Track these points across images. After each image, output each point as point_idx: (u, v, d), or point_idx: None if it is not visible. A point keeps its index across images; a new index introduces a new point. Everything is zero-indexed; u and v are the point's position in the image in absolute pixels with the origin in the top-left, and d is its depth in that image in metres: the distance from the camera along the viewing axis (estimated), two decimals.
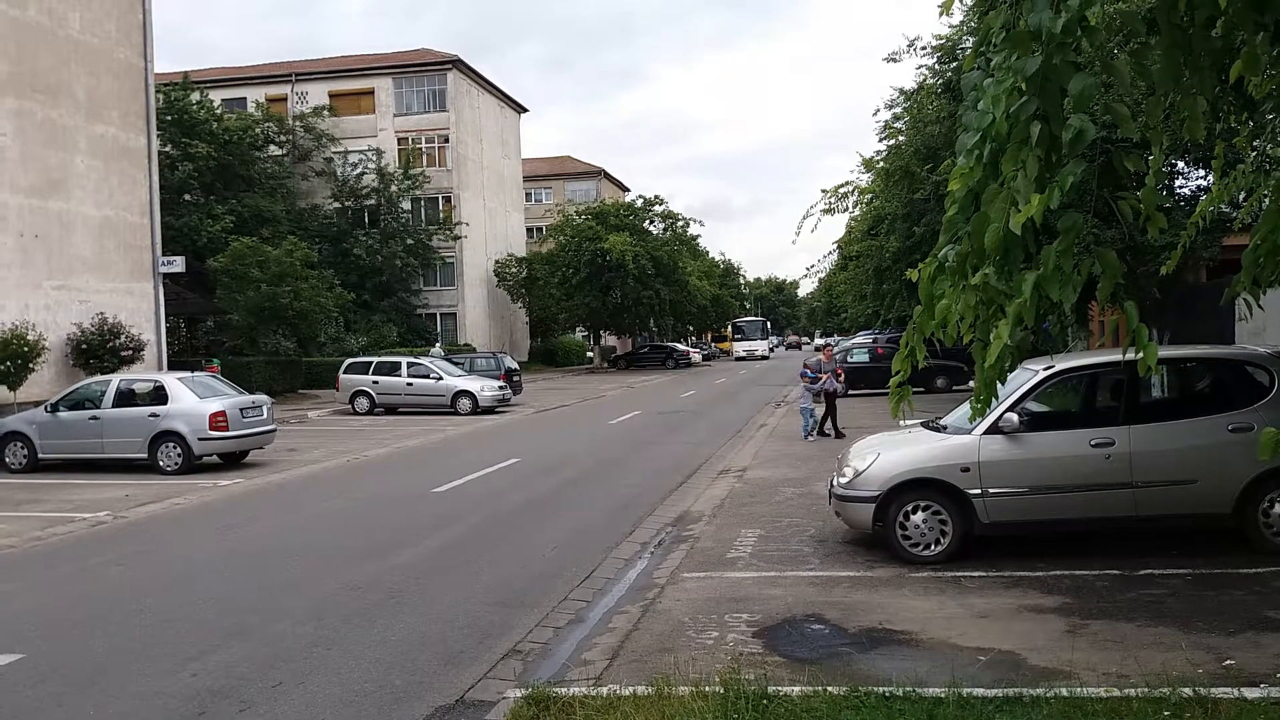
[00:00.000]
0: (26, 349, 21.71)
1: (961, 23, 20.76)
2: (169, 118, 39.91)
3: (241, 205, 42.40)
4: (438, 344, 46.14)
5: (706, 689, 5.16)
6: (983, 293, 4.55)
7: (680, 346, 67.31)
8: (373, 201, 49.59)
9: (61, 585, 9.05)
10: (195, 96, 43.44)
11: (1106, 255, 4.45)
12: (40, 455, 16.89)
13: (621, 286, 55.92)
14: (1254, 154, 8.47)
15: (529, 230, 67.58)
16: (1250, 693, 4.98)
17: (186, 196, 40.69)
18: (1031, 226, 4.32)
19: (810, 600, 7.33)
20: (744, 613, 7.06)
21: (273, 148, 48.79)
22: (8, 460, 17.01)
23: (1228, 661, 5.58)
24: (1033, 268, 4.40)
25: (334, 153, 50.46)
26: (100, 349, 24.57)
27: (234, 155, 43.54)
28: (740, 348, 74.04)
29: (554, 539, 10.35)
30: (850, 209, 29.46)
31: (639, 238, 57.19)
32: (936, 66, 22.82)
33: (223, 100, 48.58)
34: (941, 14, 5.28)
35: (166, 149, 38.04)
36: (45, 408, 17.29)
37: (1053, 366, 8.59)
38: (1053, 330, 16.65)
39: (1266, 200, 6.30)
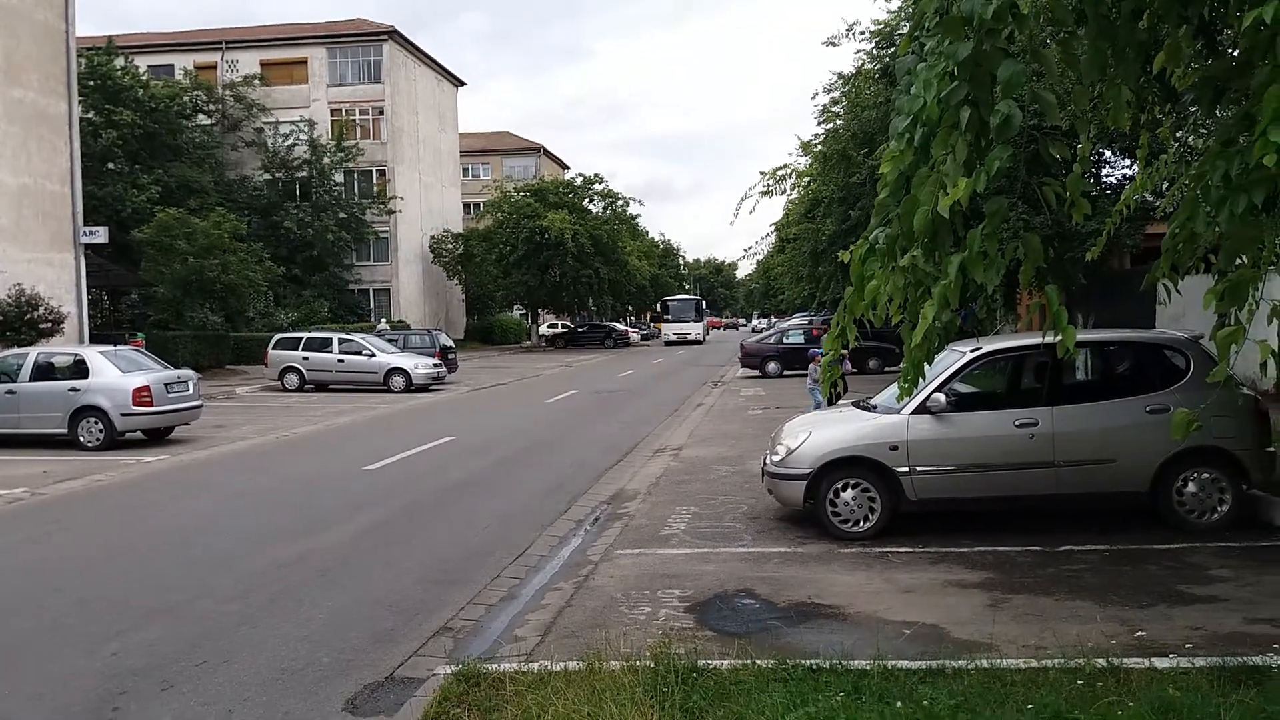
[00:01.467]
0: None
1: (899, 8, 20.96)
2: (91, 83, 38.52)
3: (168, 175, 41.20)
4: (384, 321, 45.49)
5: (637, 663, 5.20)
6: (911, 274, 4.63)
7: (619, 326, 67.36)
8: (304, 174, 48.54)
9: None
10: (120, 62, 41.99)
11: (1030, 239, 4.56)
12: None
13: (560, 265, 55.70)
14: (1176, 145, 8.74)
15: (466, 206, 66.87)
16: (1160, 663, 5.17)
17: (110, 165, 39.37)
18: (960, 210, 4.41)
19: (742, 576, 7.41)
20: (676, 589, 7.12)
21: (201, 117, 47.46)
22: None
23: (1139, 633, 5.79)
24: (959, 251, 4.49)
25: (265, 123, 49.28)
26: (17, 321, 23.75)
27: (160, 124, 42.23)
28: (671, 330, 63.66)
29: (488, 517, 10.30)
30: (788, 192, 29.66)
31: (578, 216, 56.98)
32: (874, 51, 23.03)
33: (149, 67, 47.02)
34: None
35: (89, 116, 36.73)
36: None
37: (979, 348, 8.78)
38: (980, 313, 17.01)
39: (1186, 190, 6.51)
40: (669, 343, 61.71)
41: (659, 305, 71.16)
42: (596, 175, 62.73)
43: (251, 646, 6.21)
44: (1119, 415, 8.36)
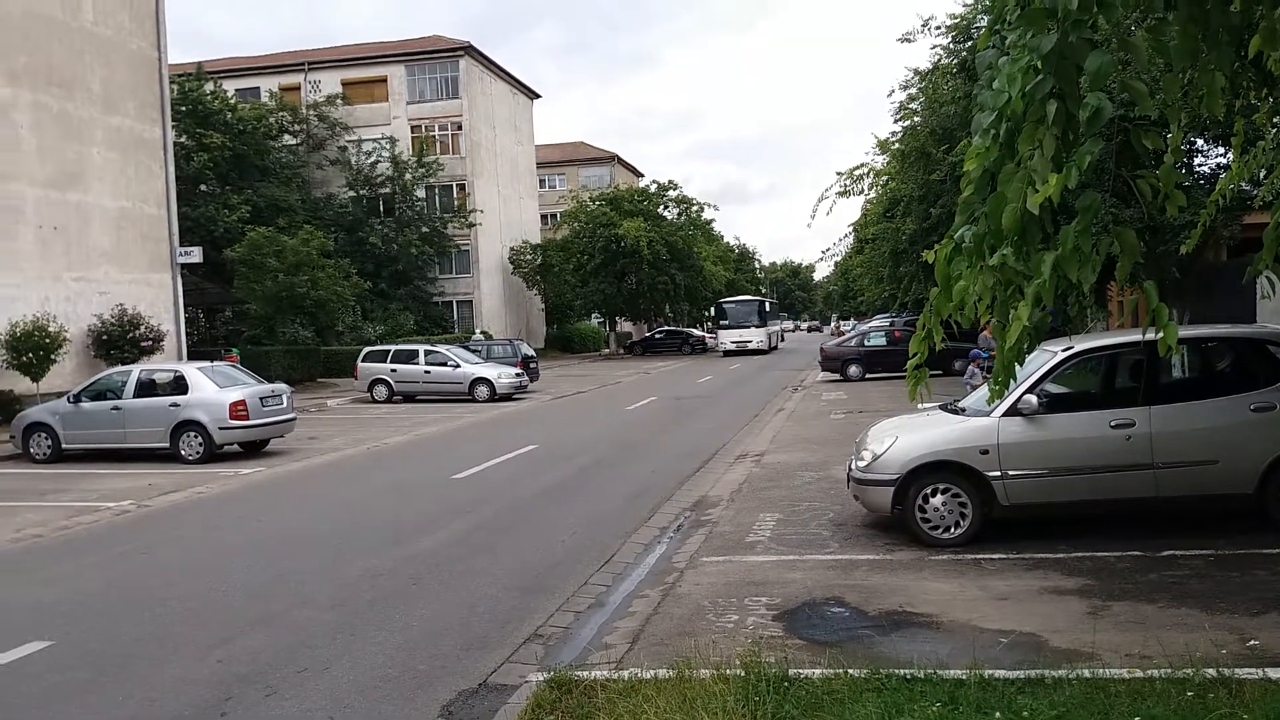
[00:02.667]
0: (48, 341, 21.92)
1: (976, 1, 20.56)
2: (183, 108, 40.07)
3: (257, 195, 42.58)
4: (480, 331, 46.55)
5: (727, 672, 5.19)
6: (1000, 274, 4.52)
7: (696, 331, 67.21)
8: (387, 190, 49.66)
9: (88, 574, 9.16)
10: (209, 87, 43.58)
11: (1125, 234, 4.42)
12: (64, 445, 17.08)
13: (636, 272, 55.94)
14: (1274, 130, 8.38)
15: (543, 217, 67.56)
16: (1275, 673, 4.96)
17: (203, 187, 40.88)
18: (1049, 206, 4.30)
19: (830, 583, 7.34)
20: (763, 596, 7.08)
21: (287, 137, 48.93)
22: (33, 451, 17.22)
23: (1252, 642, 5.56)
24: (1051, 248, 4.38)
25: (348, 141, 50.55)
26: (120, 340, 24.79)
27: (249, 145, 43.68)
28: (728, 339, 53.99)
29: (573, 524, 10.39)
30: (866, 191, 29.35)
31: (653, 223, 57.14)
32: (951, 46, 22.64)
33: (236, 90, 48.69)
34: None
35: (182, 140, 38.21)
36: (68, 398, 17.47)
37: (1072, 348, 8.54)
38: (1071, 311, 16.54)
39: None
40: (727, 353, 53.14)
41: (713, 309, 59.92)
42: (670, 182, 62.86)
43: (350, 654, 6.37)
44: (1221, 414, 8.04)
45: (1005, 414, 8.22)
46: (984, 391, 7.60)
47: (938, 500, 8.33)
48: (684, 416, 21.70)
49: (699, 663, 5.45)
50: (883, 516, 8.97)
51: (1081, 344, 8.75)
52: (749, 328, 54.03)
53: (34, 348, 21.70)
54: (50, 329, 22.00)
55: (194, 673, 6.11)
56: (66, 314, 23.80)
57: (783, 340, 69.64)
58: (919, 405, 7.52)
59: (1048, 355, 8.45)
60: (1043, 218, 4.35)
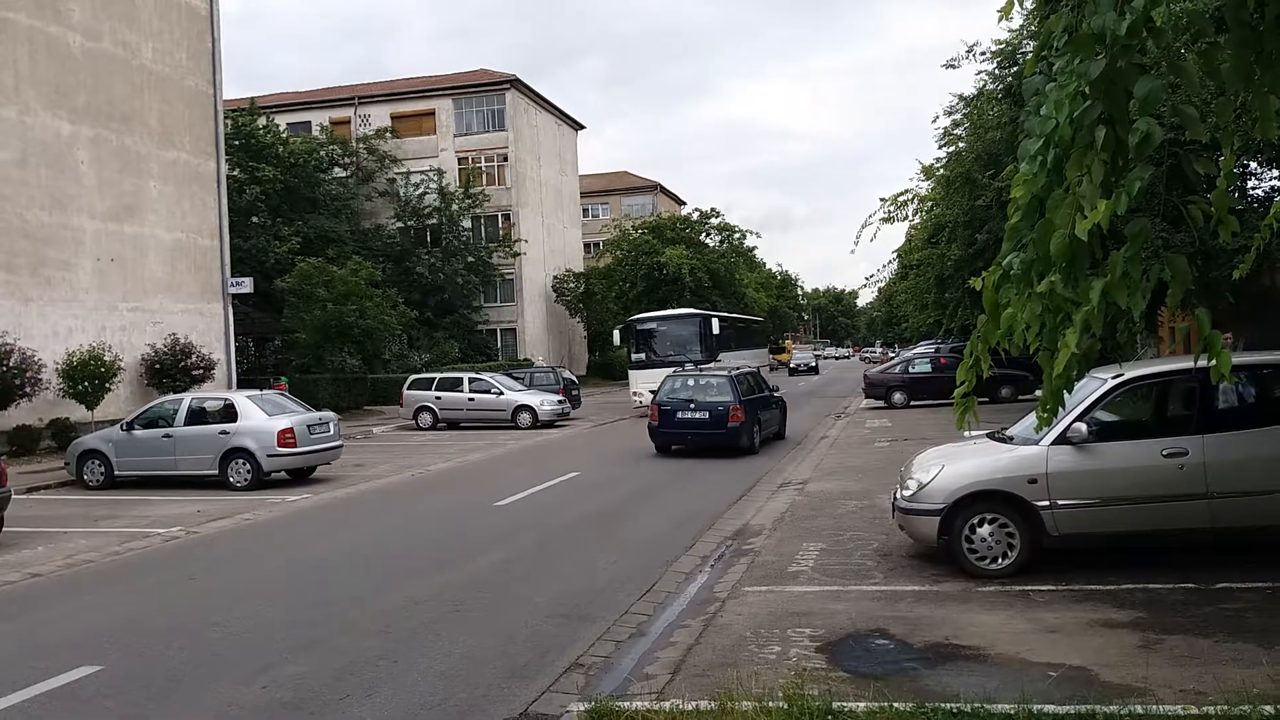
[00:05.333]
0: (103, 369, 22.43)
1: (1021, 27, 20.46)
2: (237, 142, 41.02)
3: (307, 226, 43.37)
4: (539, 358, 47.31)
5: (770, 704, 5.12)
6: (1049, 300, 4.46)
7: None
8: (434, 220, 50.37)
9: (138, 599, 9.31)
10: (262, 121, 44.60)
11: (1176, 261, 4.35)
12: (117, 472, 17.41)
13: (678, 299, 55.98)
14: None
15: (586, 245, 68.03)
16: None
17: (254, 219, 41.76)
18: (1098, 232, 4.24)
19: (874, 615, 7.23)
20: (807, 627, 7.00)
21: (337, 170, 49.86)
22: (86, 477, 17.57)
23: None
24: (1100, 274, 4.32)
25: (396, 173, 51.39)
26: (173, 368, 25.30)
27: (300, 178, 44.57)
28: (644, 385, 28.88)
29: (614, 553, 10.36)
30: (910, 217, 29.12)
31: (695, 250, 57.23)
32: (996, 72, 22.55)
33: (288, 124, 49.76)
34: (1001, 19, 5.21)
35: (235, 173, 39.09)
36: (121, 426, 17.83)
37: (1122, 375, 8.38)
38: (1121, 338, 16.26)
39: None
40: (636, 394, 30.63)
41: (617, 333, 34.83)
42: (713, 209, 62.99)
43: (393, 681, 6.39)
44: (1278, 443, 7.83)
45: (1054, 442, 8.08)
46: (1032, 419, 7.48)
47: (985, 530, 8.19)
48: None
49: (741, 695, 5.38)
50: (928, 547, 8.84)
51: (1132, 371, 8.59)
52: (681, 365, 27.35)
53: (89, 376, 22.21)
54: (105, 358, 22.52)
55: (240, 698, 6.16)
56: (121, 343, 24.37)
57: (815, 371, 62.24)
58: (966, 433, 7.43)
59: (1097, 383, 8.30)
60: (1091, 244, 4.29)
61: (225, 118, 31.50)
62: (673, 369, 23.13)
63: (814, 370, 63.86)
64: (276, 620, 8.14)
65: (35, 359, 20.99)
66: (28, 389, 20.82)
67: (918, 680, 5.79)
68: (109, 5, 25.25)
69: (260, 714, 5.85)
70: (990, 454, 8.73)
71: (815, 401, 36.17)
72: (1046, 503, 8.03)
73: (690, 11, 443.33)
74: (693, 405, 19.55)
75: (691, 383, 20.20)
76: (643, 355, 31.51)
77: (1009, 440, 8.90)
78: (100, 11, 24.95)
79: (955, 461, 8.79)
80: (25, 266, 22.63)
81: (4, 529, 12.61)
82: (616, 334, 34.28)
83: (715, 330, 31.06)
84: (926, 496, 8.47)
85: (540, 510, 13.43)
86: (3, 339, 20.54)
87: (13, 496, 13.02)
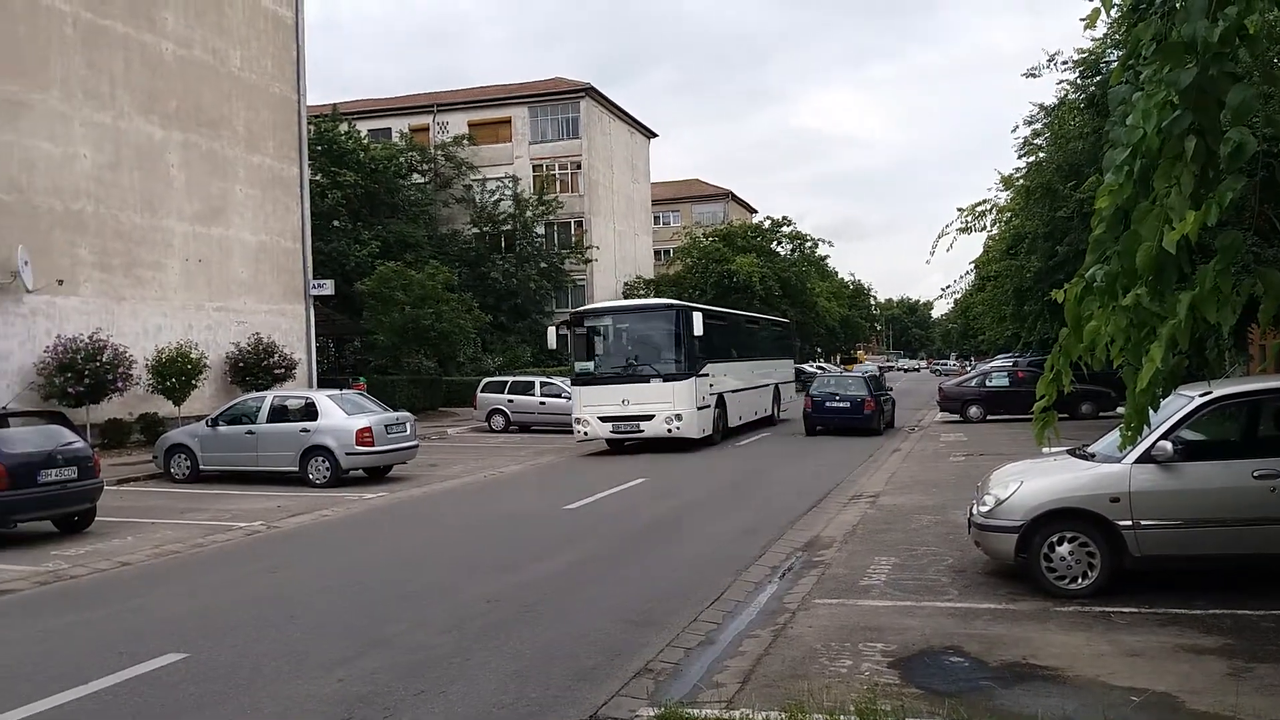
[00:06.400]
0: (190, 366, 23.23)
1: (1105, 35, 20.00)
2: (319, 148, 42.08)
3: (387, 231, 44.29)
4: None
5: (841, 717, 5.09)
6: (1134, 314, 4.37)
7: (808, 368, 66.46)
8: (508, 227, 51.07)
9: (221, 590, 9.62)
10: (344, 127, 45.69)
11: (1269, 275, 4.22)
12: (201, 466, 18.01)
13: (748, 308, 55.74)
14: None
15: (656, 253, 68.19)
16: None
17: (335, 223, 42.78)
18: (1186, 245, 4.14)
19: (949, 632, 7.12)
20: (879, 642, 6.92)
21: (416, 176, 50.82)
22: (173, 471, 18.21)
23: None
24: (1188, 288, 4.21)
25: (473, 180, 52.20)
26: (256, 367, 26.07)
27: (380, 183, 45.54)
28: (590, 411, 22.05)
29: (682, 559, 10.37)
30: (988, 228, 28.66)
31: (766, 259, 57.03)
32: (1079, 81, 22.10)
33: (369, 131, 50.92)
34: (1086, 27, 5.12)
35: (317, 177, 40.11)
36: (206, 422, 18.44)
37: (1210, 392, 8.12)
38: (1209, 355, 15.74)
39: None
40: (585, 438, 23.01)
41: (551, 332, 24.51)
42: (785, 218, 62.72)
43: (465, 678, 6.50)
44: None
45: (1138, 460, 7.86)
46: (1116, 436, 7.30)
47: (1064, 549, 8.00)
48: (795, 455, 21.45)
49: (812, 706, 5.36)
50: (1005, 564, 8.67)
51: (1221, 389, 8.32)
52: (644, 380, 21.85)
53: (177, 373, 23.02)
54: (192, 355, 23.32)
55: (317, 690, 6.32)
56: (207, 341, 25.21)
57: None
58: (1044, 449, 7.27)
59: (1184, 400, 8.06)
60: (1179, 257, 4.19)
61: (308, 123, 32.36)
62: (694, 376, 21.73)
63: None
64: (353, 614, 8.34)
65: (126, 355, 21.82)
66: (119, 384, 21.65)
67: (993, 699, 5.69)
68: (200, 14, 26.17)
69: (337, 707, 6.00)
70: (1071, 471, 8.53)
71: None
72: (1129, 522, 7.82)
73: (758, 17, 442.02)
74: (837, 398, 26.13)
75: (835, 382, 27.82)
76: (591, 364, 22.30)
77: (1090, 457, 8.69)
78: (192, 20, 25.87)
79: (1034, 478, 8.61)
80: (119, 266, 23.55)
81: (96, 518, 13.15)
82: (552, 333, 23.70)
83: (697, 331, 21.48)
84: (1004, 513, 8.32)
85: (609, 515, 13.51)
86: (96, 335, 21.39)
87: (105, 487, 13.57)
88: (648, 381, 21.60)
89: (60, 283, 21.97)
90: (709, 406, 22.96)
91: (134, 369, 22.15)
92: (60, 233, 22.19)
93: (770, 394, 29.67)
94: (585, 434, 22.17)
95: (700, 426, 22.28)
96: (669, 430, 21.43)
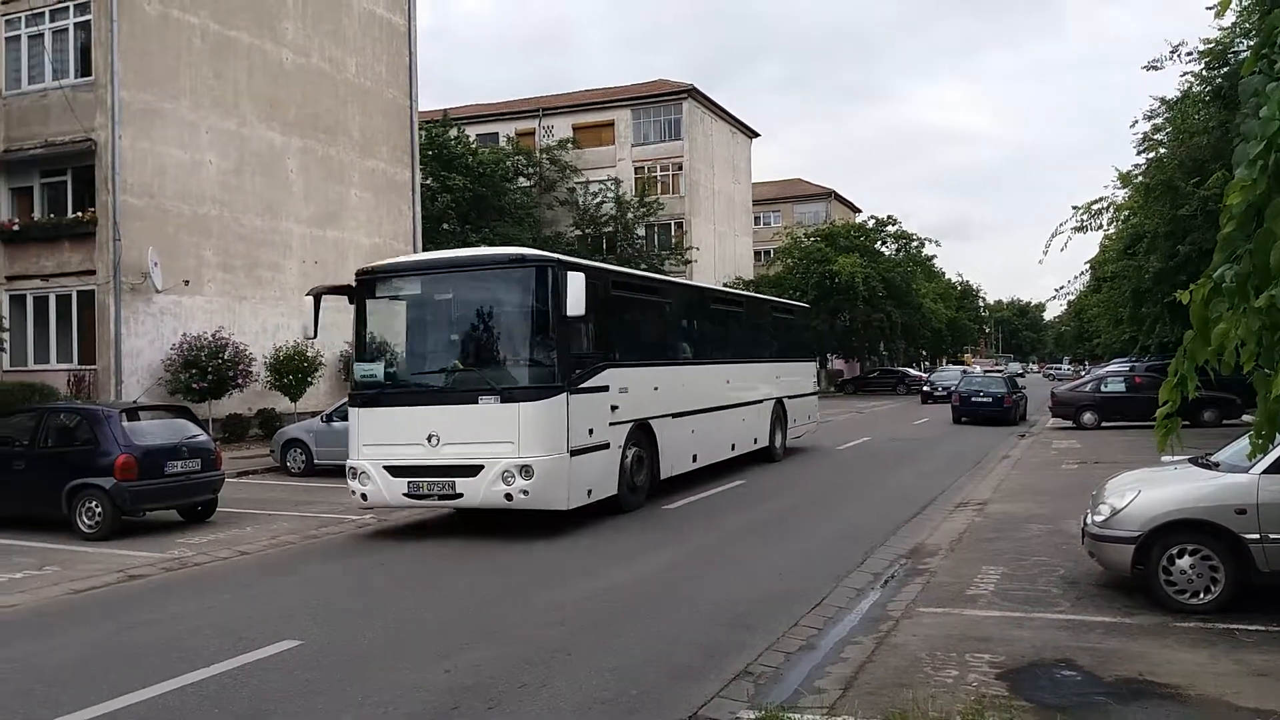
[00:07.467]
0: (306, 364, 24.13)
1: (1235, 24, 19.07)
2: (430, 152, 43.20)
3: (494, 234, 45.16)
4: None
5: None
6: (1267, 316, 4.16)
7: (912, 371, 65.06)
8: (610, 229, 51.54)
9: (333, 580, 9.97)
10: (453, 132, 46.84)
11: None
12: (316, 460, 18.68)
13: (850, 309, 54.96)
14: None
15: (756, 254, 67.77)
16: None
17: (445, 226, 43.85)
18: None
19: (1060, 644, 6.88)
20: (986, 653, 6.73)
21: (521, 179, 51.74)
22: (289, 464, 18.94)
23: None
24: None
25: (576, 183, 52.85)
26: None
27: (487, 187, 46.49)
28: (370, 438, 12.22)
29: (781, 563, 10.28)
30: (1105, 227, 27.66)
31: (870, 259, 56.12)
32: (1204, 73, 21.13)
33: (477, 135, 52.07)
34: (1218, 15, 4.91)
35: (428, 182, 41.18)
36: (321, 418, 19.14)
37: None
38: None
39: None
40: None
41: (312, 299, 13.63)
42: (890, 217, 61.67)
43: (566, 673, 6.58)
44: None
45: (1267, 471, 7.46)
46: (1243, 445, 6.95)
47: (1185, 562, 7.65)
48: (899, 459, 21.04)
49: (917, 716, 5.25)
50: (1120, 576, 8.34)
51: None
52: (467, 399, 11.76)
53: (293, 370, 23.96)
54: (308, 354, 24.21)
55: (426, 680, 6.49)
56: (321, 340, 26.08)
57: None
58: (1165, 457, 6.98)
59: None
60: None
61: (420, 129, 33.27)
62: (565, 390, 11.69)
63: None
64: (459, 607, 8.54)
65: (247, 353, 22.83)
66: (240, 380, 22.67)
67: (1108, 715, 5.49)
68: (318, 23, 27.18)
69: (445, 696, 6.15)
70: (1193, 480, 8.16)
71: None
72: (1256, 536, 7.43)
73: (861, 13, 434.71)
74: (981, 394, 31.80)
75: (979, 381, 33.55)
76: (378, 368, 12.91)
77: (1214, 466, 8.29)
78: (311, 29, 26.90)
79: (1154, 487, 8.26)
80: (241, 267, 24.63)
81: (218, 509, 13.78)
82: (309, 308, 13.70)
83: (574, 307, 11.50)
84: (1121, 523, 7.99)
85: (705, 515, 13.48)
86: (219, 334, 22.42)
87: (226, 479, 14.21)
88: (474, 401, 11.57)
89: (186, 283, 23.12)
90: (605, 446, 12.77)
91: (253, 366, 23.16)
92: (187, 235, 23.33)
93: (766, 416, 19.69)
94: (364, 496, 12.23)
95: (573, 486, 11.96)
96: (507, 496, 11.39)
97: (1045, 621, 7.52)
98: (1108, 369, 34.76)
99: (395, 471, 11.91)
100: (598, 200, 52.00)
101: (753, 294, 30.26)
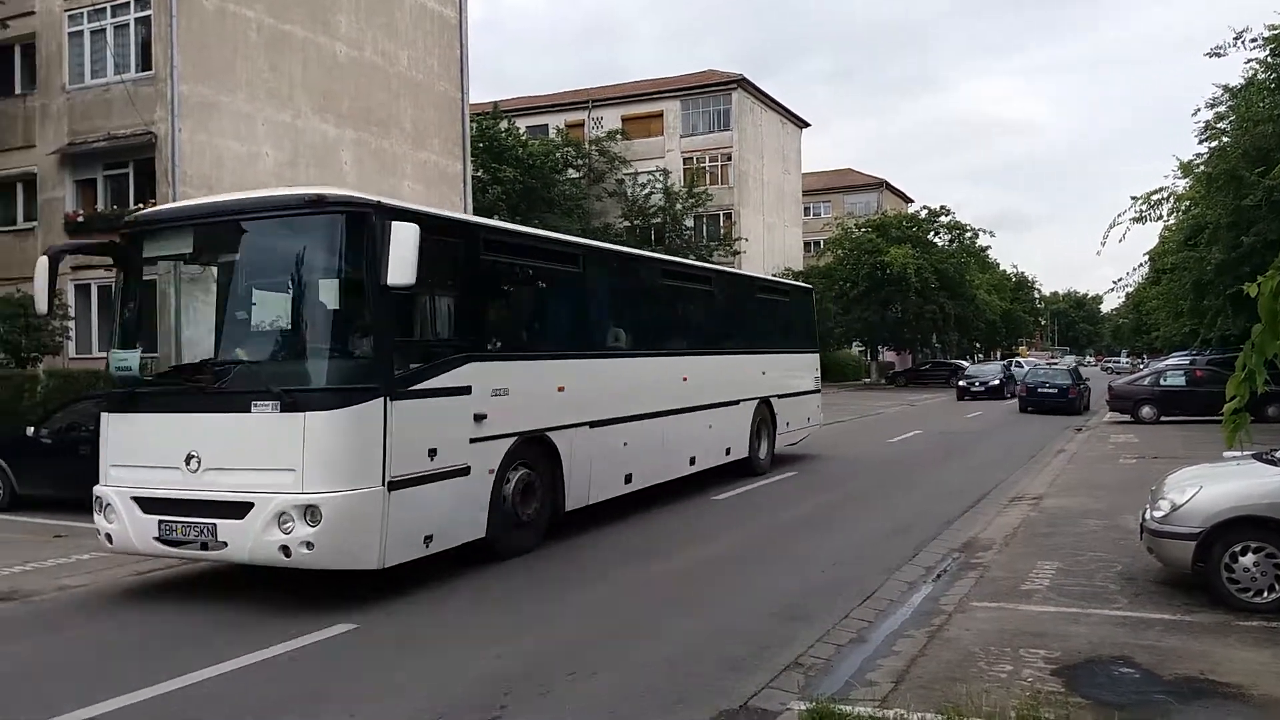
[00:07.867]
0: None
1: None
2: (481, 145, 43.51)
3: (543, 225, 45.34)
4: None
5: None
6: None
7: (965, 364, 64.11)
8: (659, 220, 51.55)
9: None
10: (504, 124, 47.16)
11: None
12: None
13: (902, 300, 54.34)
14: None
15: (806, 245, 67.28)
16: None
17: (496, 217, 44.17)
18: None
19: (1118, 641, 6.77)
20: (1041, 648, 6.65)
21: (571, 171, 51.93)
22: None
23: None
24: None
25: (625, 174, 52.89)
26: None
27: (537, 178, 46.74)
28: (120, 460, 8.69)
29: (832, 555, 10.23)
30: (1165, 217, 27.05)
31: (922, 250, 55.42)
32: (1270, 60, 20.54)
33: (527, 127, 52.32)
34: None
35: (478, 173, 41.48)
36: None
37: None
38: None
39: None
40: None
41: (44, 262, 9.04)
42: (943, 207, 60.79)
43: (614, 662, 6.63)
44: None
45: None
46: None
47: (1248, 560, 7.48)
48: (951, 453, 20.79)
49: (970, 710, 5.21)
50: (1180, 573, 8.17)
51: None
52: (237, 405, 8.01)
53: None
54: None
55: (474, 666, 6.59)
56: None
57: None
58: (1226, 453, 6.83)
59: None
60: None
61: (471, 121, 33.52)
62: (384, 395, 8.01)
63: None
64: (506, 596, 8.61)
65: None
66: None
67: (1168, 715, 5.39)
68: (371, 17, 27.48)
69: (496, 683, 6.22)
70: (1257, 476, 7.97)
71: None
72: None
73: (909, 4, 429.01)
74: (1046, 385, 33.56)
75: (1044, 372, 35.81)
76: (133, 357, 9.31)
77: (1279, 463, 8.09)
78: (364, 23, 27.21)
79: (1215, 483, 8.08)
80: None
81: None
82: (43, 271, 8.93)
83: (403, 274, 7.77)
84: (1181, 519, 7.83)
85: (757, 506, 13.46)
86: None
87: None
88: (246, 409, 8.02)
89: None
90: (463, 472, 9.07)
91: None
92: None
93: (745, 419, 16.19)
94: (108, 537, 8.81)
95: (395, 533, 8.25)
96: (283, 550, 7.86)
97: (1102, 618, 7.41)
98: (1167, 362, 34.02)
99: (145, 506, 8.36)
100: (646, 191, 52.01)
101: (728, 269, 25.53)
